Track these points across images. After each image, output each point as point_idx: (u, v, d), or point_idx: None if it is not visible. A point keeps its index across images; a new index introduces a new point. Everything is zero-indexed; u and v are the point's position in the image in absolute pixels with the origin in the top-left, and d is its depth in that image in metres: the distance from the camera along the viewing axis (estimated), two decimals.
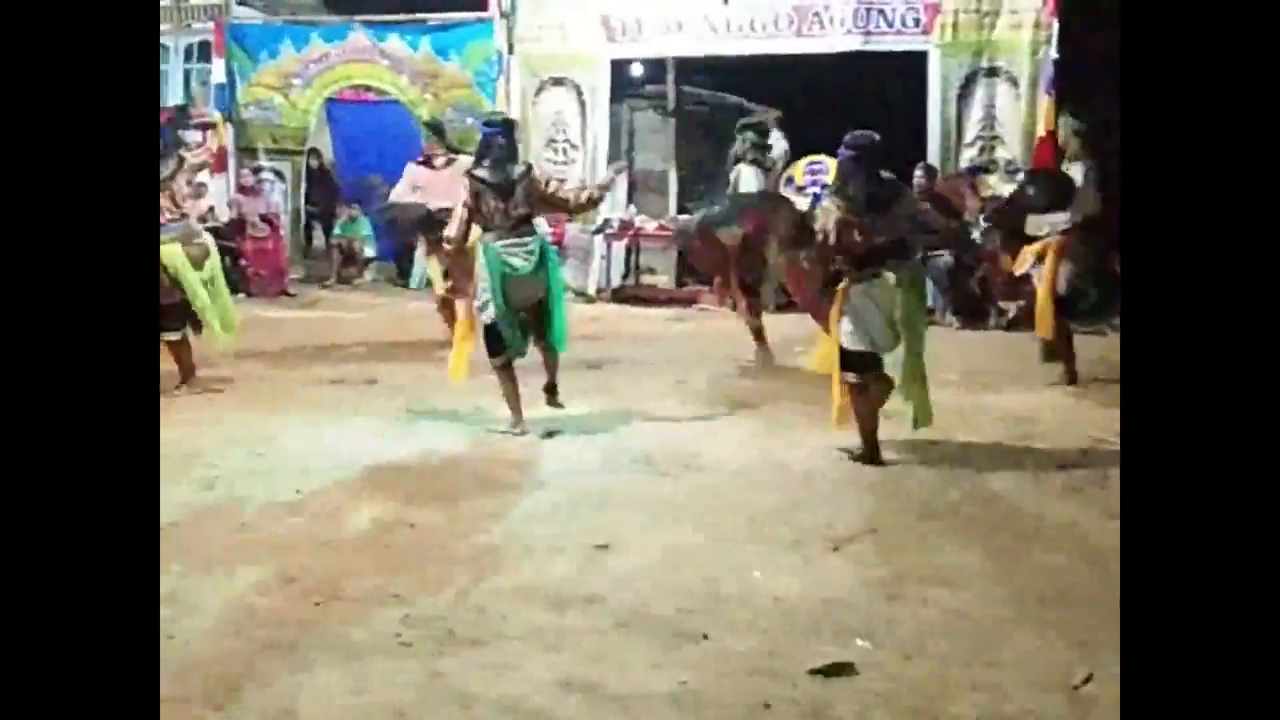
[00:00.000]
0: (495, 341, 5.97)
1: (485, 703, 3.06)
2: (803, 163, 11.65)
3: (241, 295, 11.63)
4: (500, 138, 6.09)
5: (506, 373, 6.03)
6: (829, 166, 11.65)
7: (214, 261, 7.03)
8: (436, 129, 9.12)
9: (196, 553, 4.20)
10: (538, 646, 3.42)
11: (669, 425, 6.25)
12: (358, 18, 12.63)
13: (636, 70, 14.35)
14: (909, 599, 3.84)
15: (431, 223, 7.53)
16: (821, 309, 5.67)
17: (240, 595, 3.80)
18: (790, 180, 11.29)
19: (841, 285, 5.40)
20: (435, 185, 8.39)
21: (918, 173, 10.31)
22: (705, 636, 3.51)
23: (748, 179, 8.49)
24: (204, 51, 13.99)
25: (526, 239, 5.95)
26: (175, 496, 4.85)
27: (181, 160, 6.87)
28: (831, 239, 5.34)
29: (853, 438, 5.52)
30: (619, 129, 13.98)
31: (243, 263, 12.04)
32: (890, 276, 5.33)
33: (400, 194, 8.76)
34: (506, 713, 3.02)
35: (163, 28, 14.56)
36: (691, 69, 14.20)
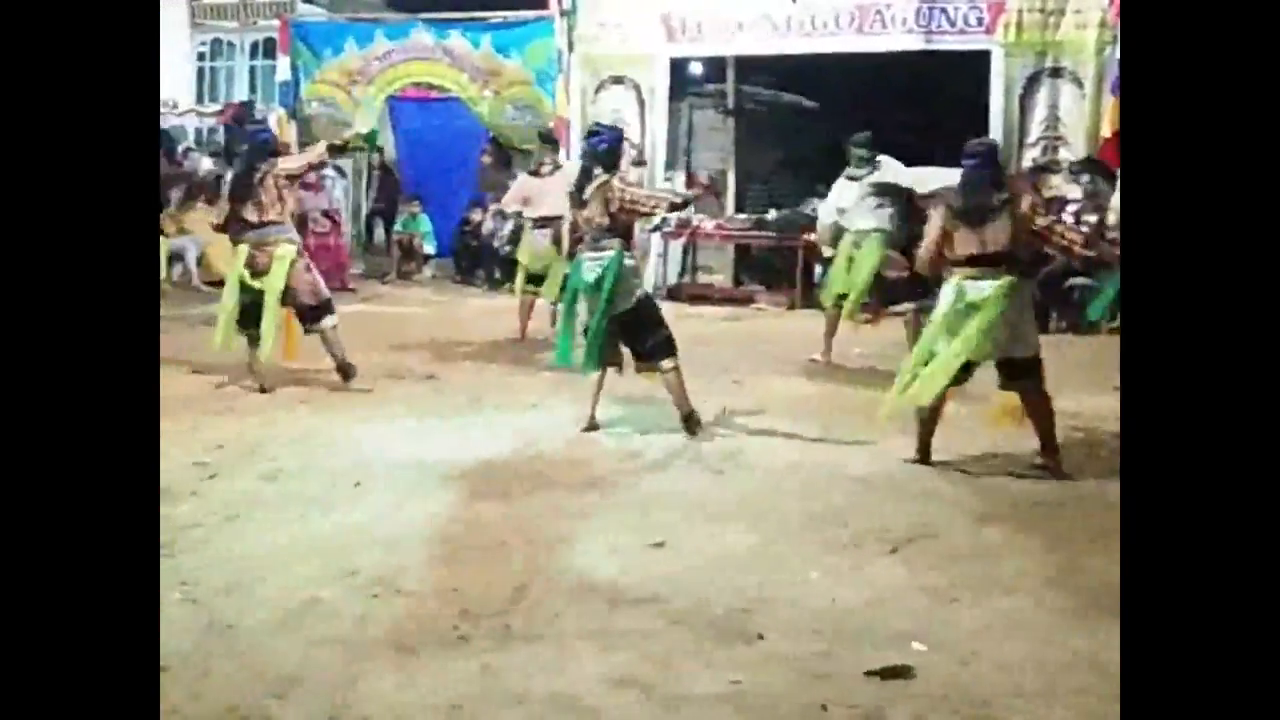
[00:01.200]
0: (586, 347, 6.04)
1: (539, 699, 3.09)
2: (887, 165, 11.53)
3: None
4: (599, 145, 6.08)
5: (594, 376, 6.06)
6: (887, 165, 11.57)
7: (277, 271, 6.84)
8: (548, 139, 9.39)
9: (257, 544, 4.27)
10: (592, 644, 3.44)
11: (725, 423, 6.23)
12: (420, 16, 12.73)
13: (696, 69, 14.34)
14: (966, 603, 3.81)
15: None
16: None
17: (300, 587, 3.86)
18: None
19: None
20: (543, 194, 8.64)
21: None
22: (760, 637, 3.51)
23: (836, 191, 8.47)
24: (269, 48, 14.17)
25: (602, 253, 5.93)
26: (237, 489, 4.94)
27: (273, 164, 6.91)
28: (930, 244, 5.32)
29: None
30: (678, 128, 13.96)
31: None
32: (989, 285, 5.19)
33: (509, 203, 9.00)
34: (561, 709, 3.04)
35: (229, 25, 14.80)
36: (751, 68, 14.15)
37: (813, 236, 11.17)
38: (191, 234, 11.71)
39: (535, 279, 8.89)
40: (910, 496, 5.01)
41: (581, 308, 6.13)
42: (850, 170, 8.27)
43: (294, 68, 12.95)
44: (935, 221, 5.33)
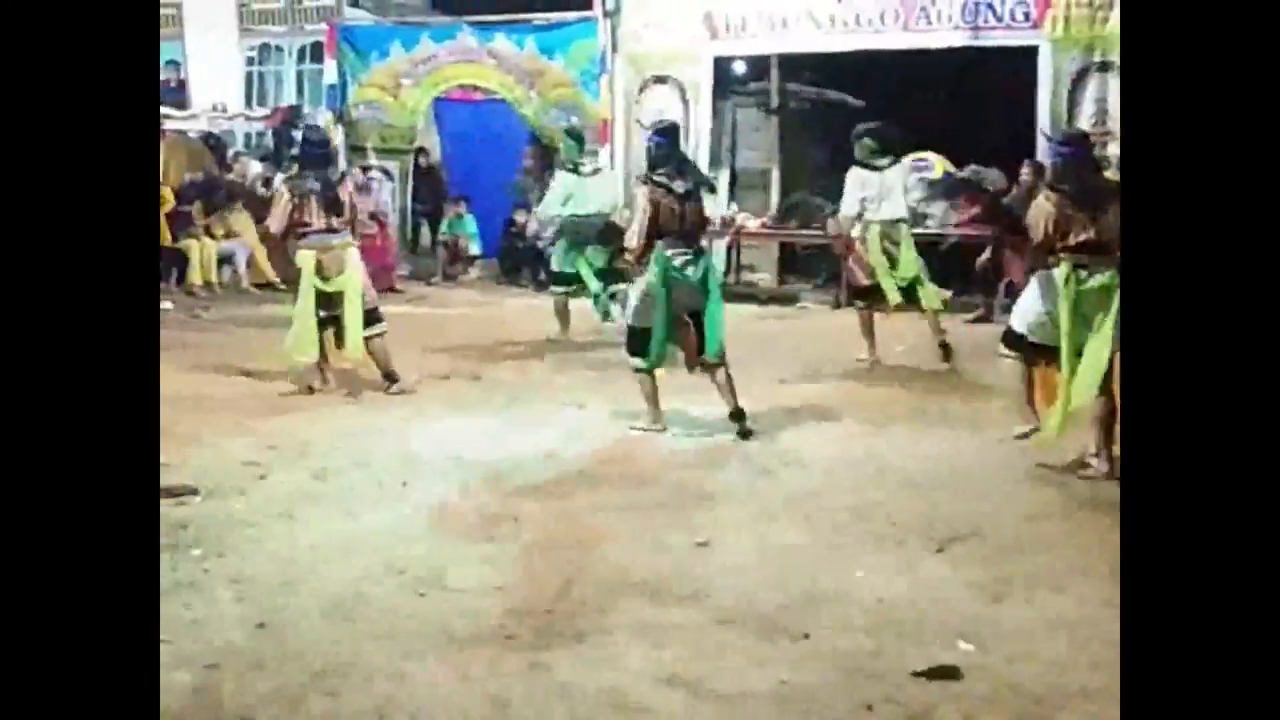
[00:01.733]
0: (640, 345, 6.00)
1: (586, 696, 3.09)
2: (908, 159, 11.49)
3: None
4: (672, 144, 6.10)
5: (648, 376, 6.04)
6: (934, 163, 11.51)
7: (352, 273, 6.90)
8: (577, 137, 9.40)
9: (306, 541, 4.32)
10: (640, 641, 3.44)
11: (770, 422, 6.22)
12: (466, 19, 12.81)
13: (739, 67, 14.29)
14: (1014, 601, 3.78)
15: (611, 233, 7.82)
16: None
17: (350, 583, 3.89)
18: None
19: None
20: (584, 193, 8.67)
21: (1024, 170, 10.12)
22: (806, 635, 3.50)
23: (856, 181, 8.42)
24: (316, 52, 14.32)
25: (692, 247, 5.97)
26: (287, 486, 5.00)
27: (343, 176, 7.03)
28: (1042, 234, 5.21)
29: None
30: (721, 126, 13.94)
31: None
32: (1104, 274, 5.06)
33: (551, 203, 9.00)
34: (608, 707, 3.05)
35: (277, 29, 14.96)
36: (796, 65, 14.10)
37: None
38: (240, 237, 11.87)
39: (570, 279, 8.92)
40: (958, 494, 4.97)
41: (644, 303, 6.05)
42: (870, 160, 8.20)
43: (341, 72, 13.08)
44: (1046, 208, 5.21)
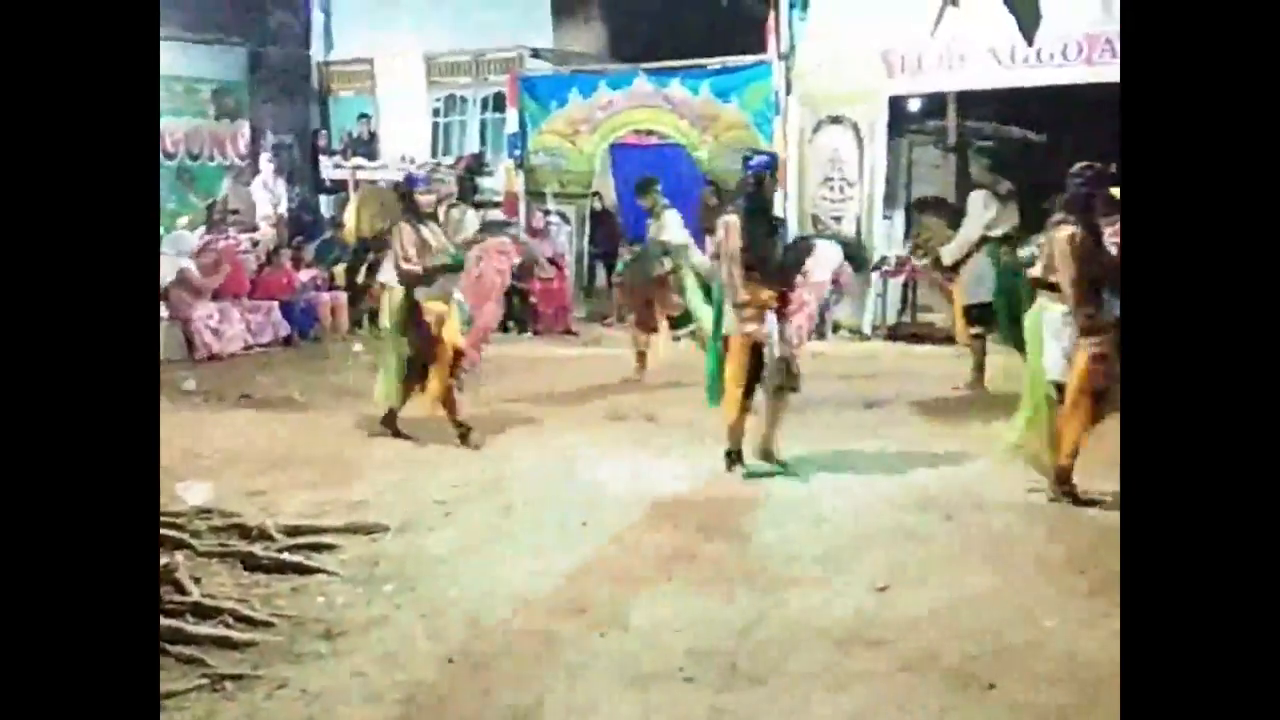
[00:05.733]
0: None
1: None
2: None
3: (529, 334, 12.21)
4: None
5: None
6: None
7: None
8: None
9: (492, 577, 4.44)
10: (820, 686, 3.43)
11: (950, 466, 6.10)
12: (642, 65, 13.04)
13: (915, 104, 14.13)
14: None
15: None
16: None
17: (534, 621, 3.99)
18: None
19: None
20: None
21: None
22: (992, 686, 3.42)
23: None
24: (499, 102, 14.78)
25: None
26: (475, 521, 5.15)
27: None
28: None
29: None
30: (897, 165, 13.78)
31: (531, 301, 12.62)
32: None
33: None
34: None
35: (462, 80, 15.51)
36: (974, 101, 13.85)
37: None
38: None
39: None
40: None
41: None
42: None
43: (521, 120, 13.46)
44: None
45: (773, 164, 6.32)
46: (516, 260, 7.08)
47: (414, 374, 6.76)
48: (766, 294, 5.79)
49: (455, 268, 6.79)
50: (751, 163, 6.11)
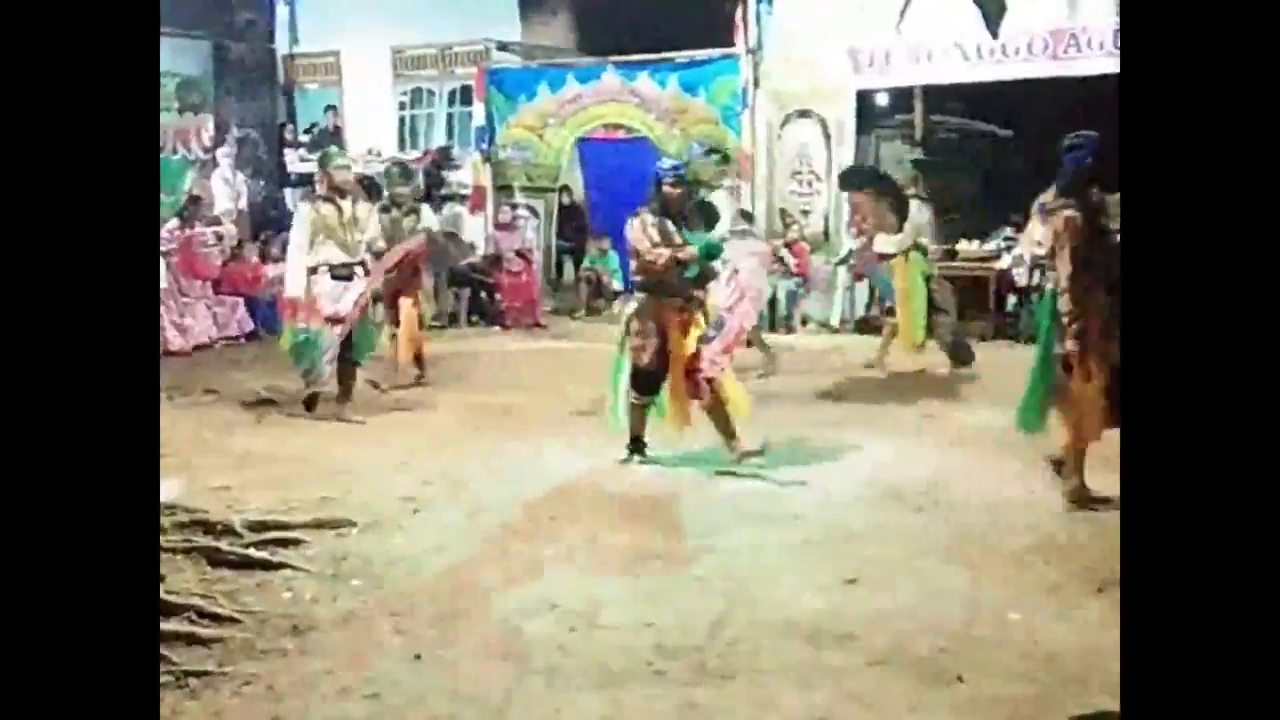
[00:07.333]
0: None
1: None
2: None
3: (496, 328, 12.17)
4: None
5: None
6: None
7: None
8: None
9: (464, 577, 4.41)
10: (791, 682, 3.43)
11: (918, 460, 6.13)
12: (611, 59, 13.01)
13: (882, 100, 14.18)
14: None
15: None
16: None
17: (503, 619, 3.97)
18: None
19: None
20: None
21: None
22: (960, 679, 3.43)
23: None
24: (466, 95, 14.70)
25: None
26: (447, 520, 5.11)
27: None
28: None
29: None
30: (863, 159, 13.82)
31: (498, 296, 12.58)
32: None
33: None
34: None
35: (428, 74, 15.41)
36: (940, 96, 13.92)
37: (1004, 264, 11.03)
38: None
39: None
40: (1119, 534, 4.81)
41: None
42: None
43: (489, 113, 13.40)
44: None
45: (681, 171, 6.25)
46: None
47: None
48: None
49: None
50: (663, 168, 6.12)
